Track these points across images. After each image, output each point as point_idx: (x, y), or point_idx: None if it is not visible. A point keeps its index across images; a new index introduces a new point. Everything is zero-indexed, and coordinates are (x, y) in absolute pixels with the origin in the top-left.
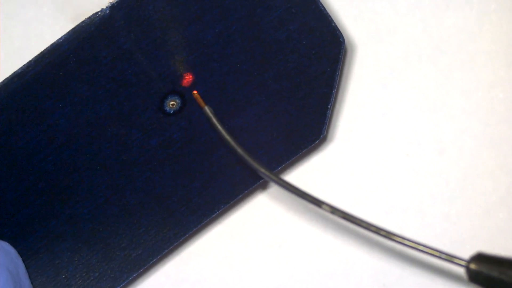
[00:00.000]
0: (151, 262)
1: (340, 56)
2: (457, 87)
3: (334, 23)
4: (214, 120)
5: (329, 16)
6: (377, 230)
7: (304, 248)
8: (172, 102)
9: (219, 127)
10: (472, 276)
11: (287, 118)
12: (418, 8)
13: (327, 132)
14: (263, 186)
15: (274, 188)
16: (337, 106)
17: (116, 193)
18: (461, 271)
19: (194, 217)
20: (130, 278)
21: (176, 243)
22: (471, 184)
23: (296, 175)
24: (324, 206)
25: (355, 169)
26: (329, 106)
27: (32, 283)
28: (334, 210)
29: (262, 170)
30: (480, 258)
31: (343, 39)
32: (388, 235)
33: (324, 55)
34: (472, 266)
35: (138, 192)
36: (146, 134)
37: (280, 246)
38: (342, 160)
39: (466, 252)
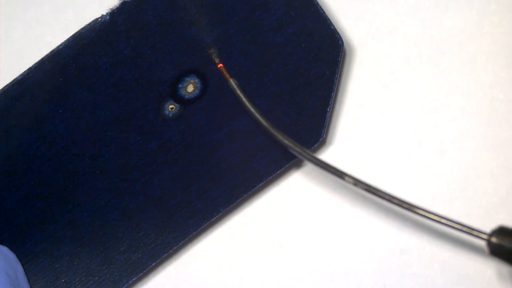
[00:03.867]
0: (151, 266)
1: (339, 59)
2: (458, 88)
3: (333, 26)
4: (239, 92)
5: (328, 19)
6: (399, 202)
7: (304, 249)
8: (171, 106)
9: (244, 99)
10: (494, 249)
11: (286, 120)
12: (418, 9)
13: (326, 135)
14: (263, 189)
15: (273, 191)
16: (336, 108)
17: (115, 196)
18: (460, 269)
19: (193, 221)
20: (130, 282)
21: (175, 247)
22: (471, 185)
23: (296, 178)
24: (347, 178)
25: (355, 171)
26: (328, 109)
27: (31, 287)
28: (357, 182)
29: (286, 142)
30: (502, 231)
31: (342, 42)
32: (411, 207)
33: (323, 58)
34: (494, 239)
35: (138, 195)
36: (145, 137)
37: (280, 246)
38: (342, 162)
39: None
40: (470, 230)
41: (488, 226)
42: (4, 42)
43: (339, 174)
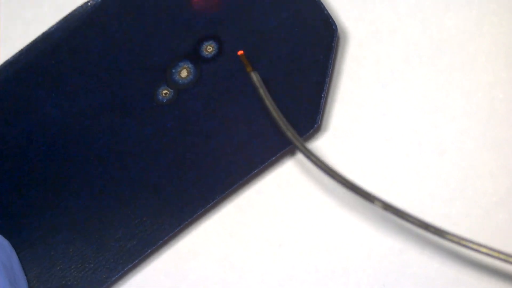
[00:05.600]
0: (146, 253)
1: (333, 44)
2: (457, 87)
3: (327, 11)
4: (259, 86)
5: (322, 3)
6: (433, 229)
7: (303, 248)
8: (165, 91)
9: (263, 95)
10: None
11: (281, 106)
12: (418, 9)
13: (321, 121)
14: (259, 175)
15: (271, 185)
16: (336, 107)
17: (110, 183)
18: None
19: (188, 208)
20: (125, 269)
21: (171, 234)
22: (471, 185)
23: (290, 165)
24: (376, 202)
25: (350, 158)
26: (323, 95)
27: (26, 275)
28: (387, 207)
29: (316, 161)
30: None
31: (336, 26)
32: (444, 234)
33: (317, 43)
34: None
35: (133, 182)
36: (139, 123)
37: (280, 245)
38: (337, 149)
39: None
40: (506, 257)
41: (487, 226)
42: (4, 42)
43: (369, 198)
